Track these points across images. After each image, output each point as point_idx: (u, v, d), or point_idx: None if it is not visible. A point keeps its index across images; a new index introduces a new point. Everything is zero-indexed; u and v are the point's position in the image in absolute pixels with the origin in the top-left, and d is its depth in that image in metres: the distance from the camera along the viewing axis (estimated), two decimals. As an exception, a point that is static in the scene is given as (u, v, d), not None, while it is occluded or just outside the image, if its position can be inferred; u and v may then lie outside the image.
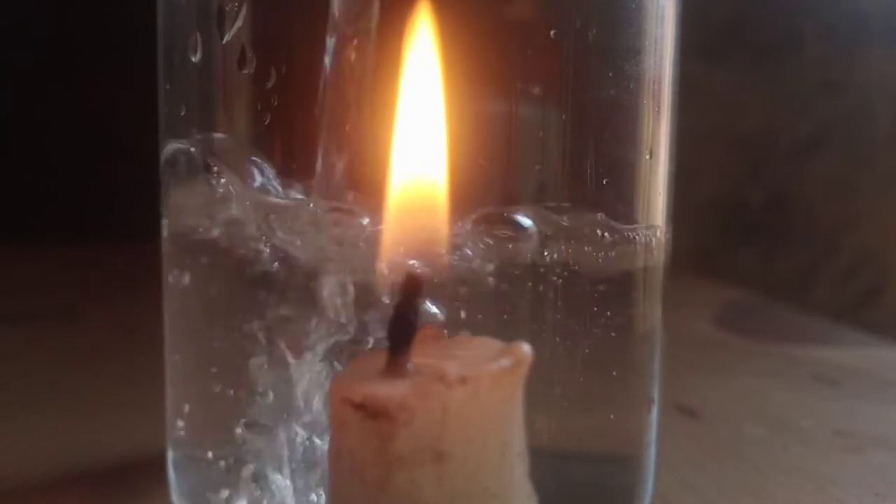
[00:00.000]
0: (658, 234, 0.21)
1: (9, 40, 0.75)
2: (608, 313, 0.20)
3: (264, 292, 0.19)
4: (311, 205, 0.18)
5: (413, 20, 0.17)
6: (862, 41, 0.75)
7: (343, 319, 0.19)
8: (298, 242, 0.18)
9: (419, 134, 0.18)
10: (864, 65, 0.75)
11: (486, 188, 0.19)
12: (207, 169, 0.19)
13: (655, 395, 0.21)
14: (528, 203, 0.19)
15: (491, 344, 0.17)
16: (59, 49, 0.75)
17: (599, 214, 0.20)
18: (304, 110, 0.18)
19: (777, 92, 0.76)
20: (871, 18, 0.75)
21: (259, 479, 0.20)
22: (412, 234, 0.17)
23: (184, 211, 0.20)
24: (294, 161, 0.19)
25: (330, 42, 0.18)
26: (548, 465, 0.19)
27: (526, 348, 0.16)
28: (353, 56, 0.18)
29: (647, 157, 0.20)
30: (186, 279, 0.20)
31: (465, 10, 0.18)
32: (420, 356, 0.16)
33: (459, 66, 0.18)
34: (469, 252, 0.18)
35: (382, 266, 0.18)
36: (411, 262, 0.17)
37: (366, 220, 0.18)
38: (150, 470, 0.23)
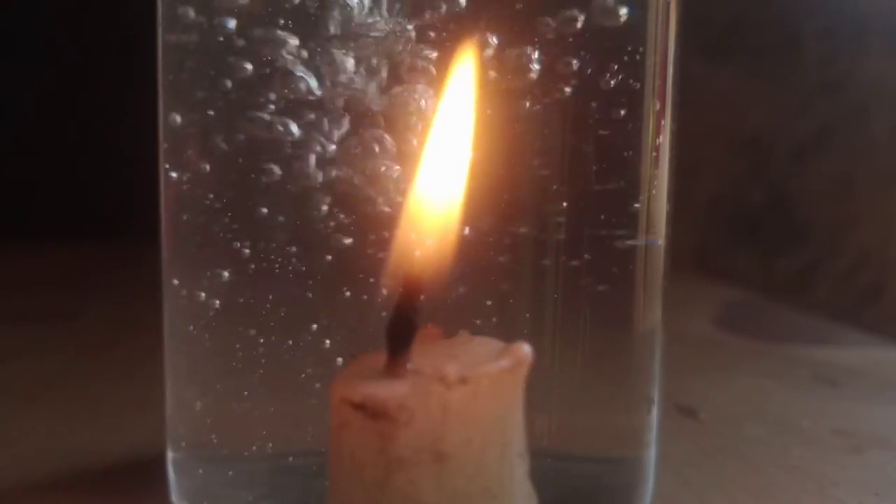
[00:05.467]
0: (658, 233, 0.21)
1: (9, 40, 0.75)
2: (608, 313, 0.20)
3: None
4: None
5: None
6: (862, 41, 0.74)
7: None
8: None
9: (441, 147, 0.18)
10: (864, 65, 0.75)
11: (486, 192, 0.19)
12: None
13: (655, 395, 0.21)
14: (531, 204, 0.19)
15: (491, 344, 0.17)
16: (59, 49, 0.75)
17: (601, 215, 0.20)
18: None
19: (777, 92, 0.76)
20: (871, 19, 0.75)
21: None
22: (420, 242, 0.17)
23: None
24: None
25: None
26: (548, 465, 0.19)
27: (526, 349, 0.16)
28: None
29: (649, 157, 0.20)
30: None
31: (462, 8, 0.18)
32: (420, 356, 0.16)
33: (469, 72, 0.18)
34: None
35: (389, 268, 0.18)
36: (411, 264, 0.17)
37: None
38: (150, 470, 0.23)
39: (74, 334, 0.44)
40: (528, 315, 0.20)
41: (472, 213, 0.18)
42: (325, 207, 0.19)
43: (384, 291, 0.18)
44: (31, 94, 0.75)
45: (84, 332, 0.44)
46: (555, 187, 0.19)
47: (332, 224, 0.19)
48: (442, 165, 0.18)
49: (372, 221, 0.19)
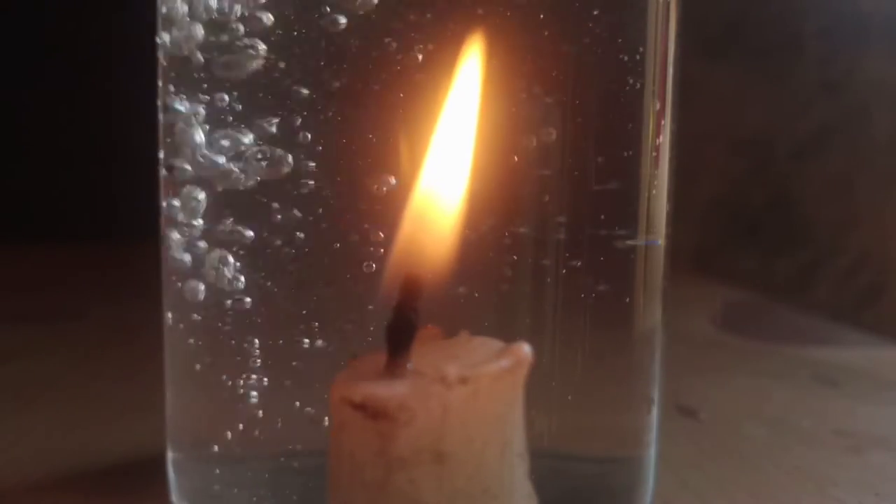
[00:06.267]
0: (659, 233, 0.21)
1: (9, 40, 0.75)
2: (608, 313, 0.20)
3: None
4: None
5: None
6: (862, 41, 0.75)
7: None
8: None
9: (444, 147, 0.18)
10: (864, 65, 0.75)
11: (486, 192, 0.19)
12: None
13: (655, 395, 0.21)
14: (531, 204, 0.19)
15: (491, 344, 0.17)
16: (60, 48, 0.75)
17: (601, 215, 0.20)
18: None
19: (777, 92, 0.76)
20: (872, 19, 0.75)
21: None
22: (409, 240, 0.17)
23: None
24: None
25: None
26: (548, 465, 0.19)
27: (526, 349, 0.16)
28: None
29: (649, 157, 0.20)
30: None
31: (462, 9, 0.18)
32: (420, 356, 0.16)
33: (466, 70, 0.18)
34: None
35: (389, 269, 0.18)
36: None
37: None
38: (149, 470, 0.23)
39: (75, 334, 0.44)
40: (528, 315, 0.20)
41: (473, 213, 0.18)
42: (326, 206, 0.19)
43: (386, 291, 0.18)
44: (31, 95, 0.75)
45: (85, 332, 0.44)
46: (555, 187, 0.19)
47: (333, 223, 0.19)
48: (444, 165, 0.18)
49: (374, 221, 0.19)
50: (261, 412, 0.20)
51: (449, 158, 0.18)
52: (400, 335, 0.16)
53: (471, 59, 0.18)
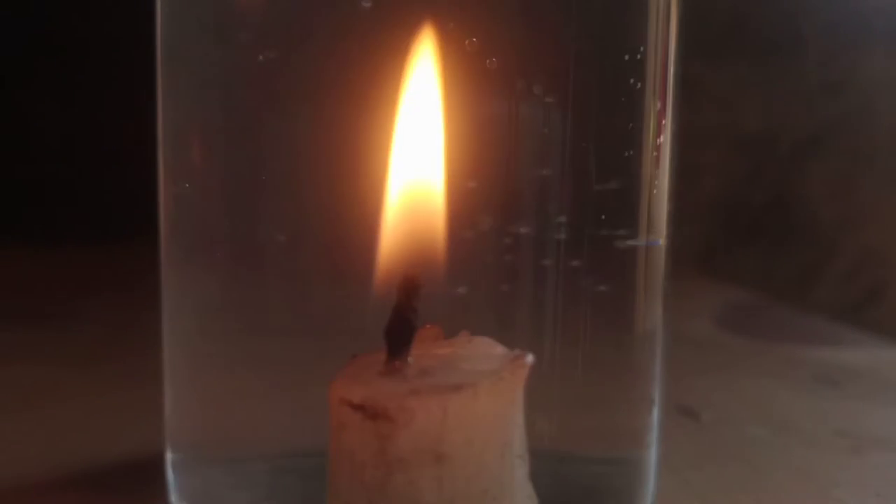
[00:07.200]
0: (660, 233, 0.21)
1: (8, 39, 0.75)
2: (609, 313, 0.20)
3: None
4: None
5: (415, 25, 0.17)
6: (864, 41, 0.74)
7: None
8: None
9: (418, 141, 0.18)
10: (865, 64, 0.75)
11: (486, 191, 0.19)
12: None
13: (656, 395, 0.21)
14: (531, 204, 0.19)
15: (492, 344, 0.17)
16: (59, 49, 0.75)
17: (601, 215, 0.20)
18: None
19: (778, 92, 0.76)
20: (873, 18, 0.75)
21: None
22: (408, 239, 0.17)
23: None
24: None
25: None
26: (549, 466, 0.19)
27: (528, 356, 0.16)
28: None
29: (650, 156, 0.20)
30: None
31: (463, 8, 0.18)
32: (420, 356, 0.16)
33: (458, 69, 0.18)
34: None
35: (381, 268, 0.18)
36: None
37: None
38: (149, 471, 0.23)
39: (74, 335, 0.44)
40: (528, 315, 0.20)
41: (473, 213, 0.18)
42: (326, 207, 0.19)
43: (385, 291, 0.18)
44: (31, 95, 0.75)
45: (84, 333, 0.44)
46: (555, 187, 0.19)
47: (333, 224, 0.19)
48: (433, 164, 0.18)
49: (375, 220, 0.19)
50: (260, 413, 0.20)
51: (439, 157, 0.18)
52: (399, 335, 0.16)
53: (468, 59, 0.18)
